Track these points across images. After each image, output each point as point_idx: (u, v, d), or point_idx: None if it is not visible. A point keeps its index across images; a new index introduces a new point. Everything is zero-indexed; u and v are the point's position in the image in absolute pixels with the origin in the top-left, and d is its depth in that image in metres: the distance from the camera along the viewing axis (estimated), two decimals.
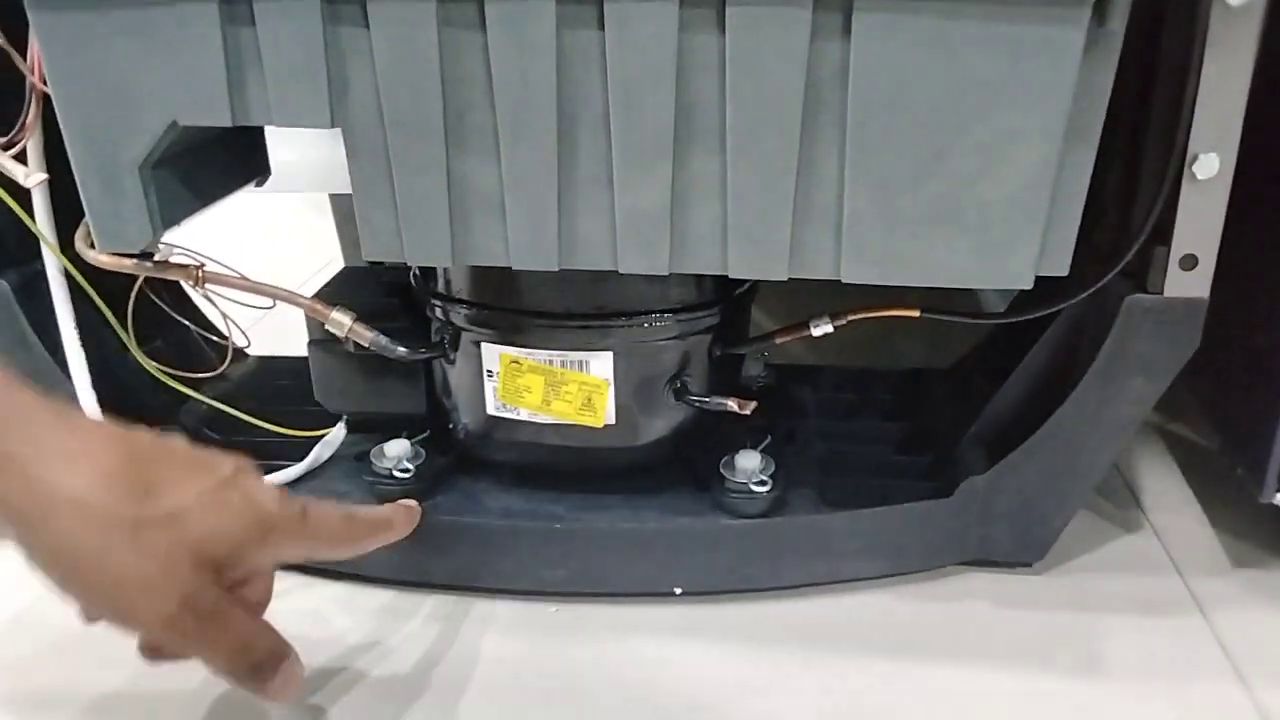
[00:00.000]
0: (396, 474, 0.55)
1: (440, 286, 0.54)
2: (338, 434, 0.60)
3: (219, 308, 0.56)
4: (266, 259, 0.65)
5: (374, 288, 0.58)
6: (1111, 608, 0.54)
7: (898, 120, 0.41)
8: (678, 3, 0.40)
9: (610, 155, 0.44)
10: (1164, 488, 0.65)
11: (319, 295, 0.55)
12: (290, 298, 0.52)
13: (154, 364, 0.56)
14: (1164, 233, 0.47)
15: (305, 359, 0.59)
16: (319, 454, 0.59)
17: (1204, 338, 0.49)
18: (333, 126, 0.44)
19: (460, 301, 0.53)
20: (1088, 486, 0.54)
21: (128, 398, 0.57)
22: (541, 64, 0.42)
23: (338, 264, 0.96)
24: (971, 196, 0.42)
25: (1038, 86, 0.40)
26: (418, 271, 0.56)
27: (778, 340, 0.54)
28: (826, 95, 0.41)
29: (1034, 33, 0.39)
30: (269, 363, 0.69)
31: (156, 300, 0.61)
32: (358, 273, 0.62)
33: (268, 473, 0.57)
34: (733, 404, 0.52)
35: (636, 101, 0.42)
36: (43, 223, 0.51)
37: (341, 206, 0.93)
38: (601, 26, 0.41)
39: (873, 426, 0.63)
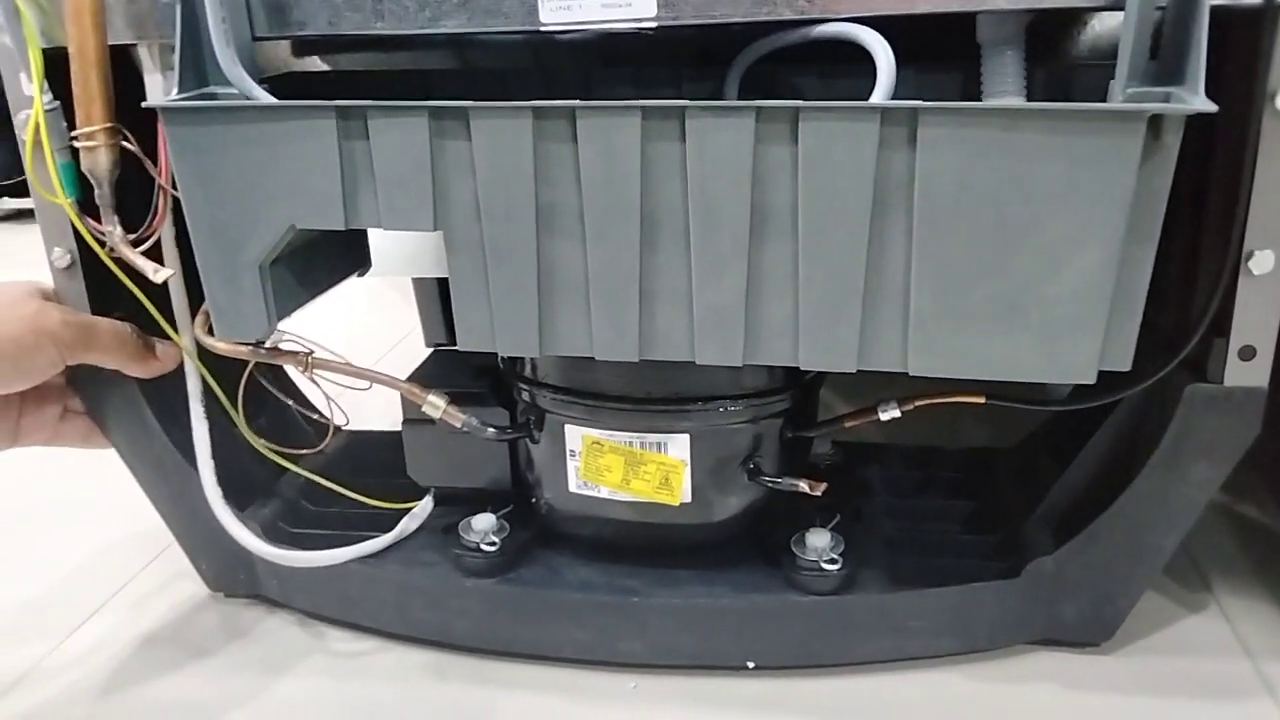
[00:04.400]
0: (484, 547, 0.58)
1: (527, 371, 0.58)
2: (425, 506, 0.64)
3: (322, 389, 0.61)
4: (346, 333, 0.69)
5: (464, 370, 0.62)
6: (1181, 690, 0.55)
7: (961, 224, 0.44)
8: (754, 117, 0.44)
9: (689, 255, 0.47)
10: (1232, 569, 0.65)
11: (414, 378, 0.59)
12: (390, 382, 0.55)
13: (262, 442, 0.60)
14: (1223, 324, 0.49)
15: (393, 433, 0.63)
16: (406, 525, 0.63)
17: (1267, 422, 0.51)
18: (435, 230, 0.48)
19: (545, 386, 0.56)
20: (1154, 568, 0.55)
21: (230, 467, 0.61)
22: (627, 173, 0.46)
23: (412, 339, 1.01)
24: (1034, 296, 0.44)
25: (1096, 194, 0.42)
26: (505, 356, 0.59)
27: (847, 424, 0.56)
28: (893, 200, 0.44)
29: (1091, 145, 0.41)
30: (361, 436, 0.73)
31: (260, 379, 0.65)
32: (448, 355, 0.66)
33: (357, 541, 0.61)
34: (804, 485, 0.54)
35: (714, 207, 0.46)
36: (181, 323, 0.56)
37: (424, 289, 0.97)
38: (683, 139, 0.45)
39: (939, 505, 0.65)
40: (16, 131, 0.55)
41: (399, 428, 0.62)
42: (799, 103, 0.43)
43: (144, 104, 0.50)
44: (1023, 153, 0.42)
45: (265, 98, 0.49)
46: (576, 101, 0.45)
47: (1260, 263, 0.48)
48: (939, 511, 0.64)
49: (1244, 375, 0.50)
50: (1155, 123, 0.41)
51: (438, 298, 1.00)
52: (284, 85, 0.56)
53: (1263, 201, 0.47)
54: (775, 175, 0.45)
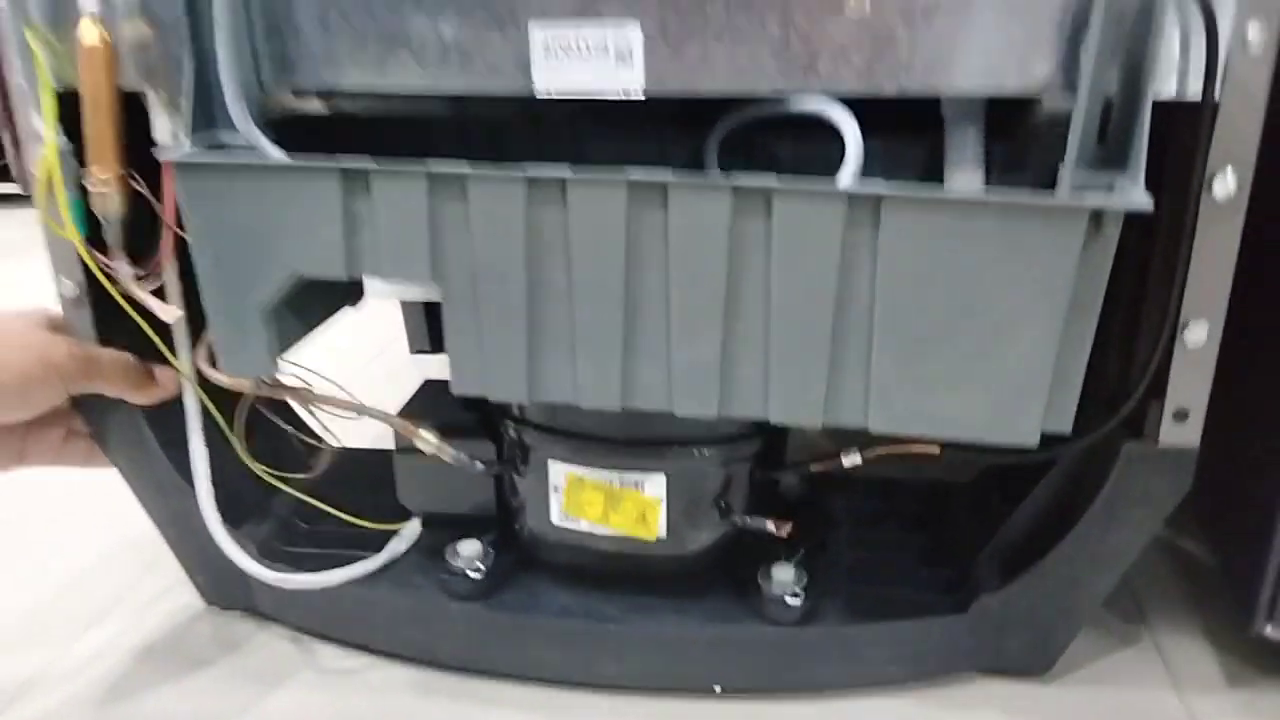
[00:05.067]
0: (469, 573, 0.62)
1: (514, 409, 0.61)
2: (413, 529, 0.67)
3: (317, 417, 0.64)
4: (332, 340, 0.71)
5: (453, 401, 0.65)
6: None
7: (919, 298, 0.47)
8: (731, 195, 0.47)
9: (669, 315, 0.50)
10: (1167, 602, 0.70)
11: (406, 410, 0.63)
12: (385, 418, 0.59)
13: (261, 467, 0.63)
14: (1159, 388, 0.53)
15: (383, 452, 0.66)
16: (395, 547, 0.66)
17: (1204, 473, 0.55)
18: (432, 282, 0.52)
19: (532, 424, 0.60)
20: (1091, 607, 0.60)
21: (227, 486, 0.63)
22: (613, 238, 0.49)
23: (397, 346, 1.04)
24: (983, 366, 0.48)
25: (1041, 278, 0.46)
26: None
27: (812, 468, 0.60)
28: (858, 275, 0.48)
29: (1037, 234, 0.45)
30: (352, 454, 0.76)
31: (258, 406, 0.68)
32: (438, 385, 0.69)
33: (349, 562, 0.64)
34: (771, 525, 0.58)
35: (693, 273, 0.49)
36: (183, 356, 0.59)
37: (410, 307, 1.01)
38: (666, 209, 0.48)
39: (898, 537, 0.69)
40: (27, 168, 0.57)
41: (389, 444, 0.65)
42: (773, 183, 0.47)
43: (157, 155, 0.52)
44: (975, 237, 0.46)
45: (273, 151, 0.52)
46: (567, 171, 0.48)
47: (1194, 334, 0.52)
48: (897, 542, 0.68)
49: (1178, 435, 0.54)
50: (1097, 215, 0.45)
51: (422, 308, 1.03)
52: (287, 128, 0.59)
53: (1197, 279, 0.51)
54: (750, 247, 0.48)
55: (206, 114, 0.53)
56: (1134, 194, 0.44)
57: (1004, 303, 0.47)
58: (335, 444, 0.76)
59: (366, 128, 0.66)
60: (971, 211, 0.45)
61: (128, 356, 0.60)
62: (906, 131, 0.56)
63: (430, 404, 0.66)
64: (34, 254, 0.61)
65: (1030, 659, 0.62)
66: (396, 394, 0.68)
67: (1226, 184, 0.49)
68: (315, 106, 0.70)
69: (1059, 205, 0.45)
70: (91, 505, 0.80)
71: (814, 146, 0.59)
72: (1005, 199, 0.45)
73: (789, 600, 0.59)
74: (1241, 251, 0.50)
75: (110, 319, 0.60)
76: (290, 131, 0.55)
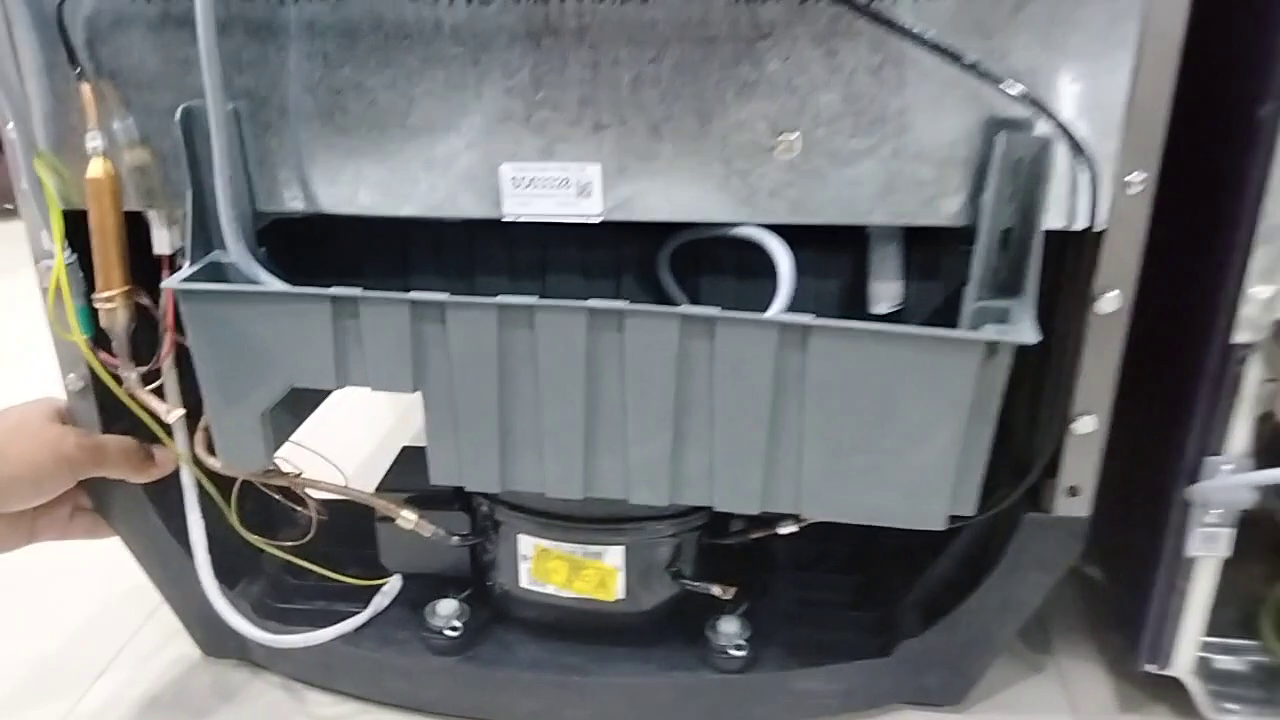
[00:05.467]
0: (447, 631, 0.69)
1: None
2: (395, 584, 0.74)
3: (307, 498, 0.70)
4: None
5: None
6: None
7: (841, 409, 0.55)
8: (679, 321, 0.54)
9: (625, 420, 0.57)
10: (1074, 633, 0.79)
11: (386, 483, 0.69)
12: (370, 501, 0.65)
13: (255, 537, 0.69)
14: (1054, 468, 0.61)
15: (362, 507, 0.72)
16: (379, 603, 0.73)
17: (1105, 518, 0.63)
18: (414, 391, 0.58)
19: (502, 502, 0.66)
20: (999, 648, 0.68)
21: (218, 548, 0.69)
22: (575, 356, 0.56)
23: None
24: (897, 465, 0.56)
25: (944, 394, 0.53)
26: None
27: (751, 537, 0.67)
28: (789, 388, 0.55)
29: (940, 360, 0.52)
30: (337, 506, 0.82)
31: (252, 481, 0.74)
32: (414, 452, 0.75)
33: (336, 615, 0.71)
34: (716, 589, 0.66)
35: (646, 385, 0.56)
36: (180, 442, 0.65)
37: None
38: (621, 331, 0.55)
39: (832, 580, 0.77)
40: (39, 282, 0.62)
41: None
42: (715, 313, 0.53)
43: (163, 284, 0.58)
44: (889, 360, 0.53)
45: (268, 279, 0.58)
46: (534, 299, 0.55)
47: (1083, 425, 0.60)
48: (832, 585, 0.77)
49: (1070, 508, 0.62)
50: (992, 346, 0.52)
51: None
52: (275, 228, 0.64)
53: (1086, 379, 0.59)
54: (696, 364, 0.55)
55: (204, 236, 0.59)
56: (1023, 329, 0.52)
57: (914, 414, 0.54)
58: (317, 505, 0.82)
59: (350, 231, 0.72)
60: (886, 340, 0.53)
61: (130, 441, 0.66)
62: (836, 244, 0.63)
63: (408, 473, 0.72)
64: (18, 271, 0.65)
65: (946, 692, 0.70)
66: (372, 438, 0.74)
67: (1111, 302, 0.56)
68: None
69: (958, 338, 0.52)
70: (89, 557, 0.85)
71: (755, 253, 0.65)
72: (914, 331, 0.52)
73: (733, 651, 0.67)
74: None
75: (112, 408, 0.66)
76: (279, 228, 0.60)
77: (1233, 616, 0.72)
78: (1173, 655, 0.67)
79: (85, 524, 0.70)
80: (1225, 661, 0.72)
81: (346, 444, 0.69)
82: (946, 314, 0.59)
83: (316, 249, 0.67)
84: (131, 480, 0.67)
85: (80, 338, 0.62)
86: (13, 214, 0.65)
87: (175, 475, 0.68)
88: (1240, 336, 0.57)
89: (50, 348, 0.65)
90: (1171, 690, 0.69)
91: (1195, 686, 0.68)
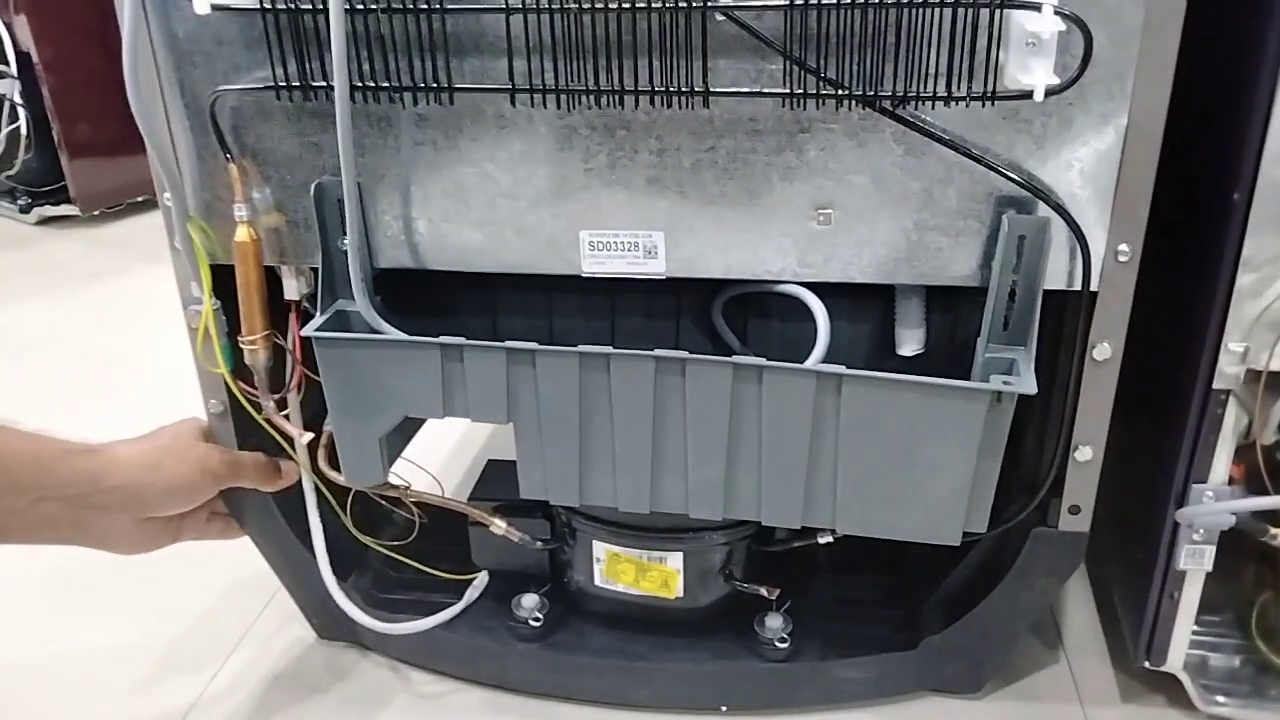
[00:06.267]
0: (530, 621, 0.80)
1: None
2: (483, 580, 0.85)
3: (411, 508, 0.81)
4: None
5: (514, 483, 0.82)
6: None
7: (869, 443, 0.64)
8: (732, 369, 0.64)
9: (685, 448, 0.67)
10: (1083, 629, 0.88)
11: (477, 494, 0.80)
12: (465, 509, 0.77)
13: (368, 539, 0.80)
14: (1058, 490, 0.71)
15: (452, 513, 0.83)
16: (470, 595, 0.84)
17: (1110, 526, 0.72)
18: (507, 423, 0.69)
19: (580, 514, 0.77)
20: (1012, 643, 0.78)
21: (332, 546, 0.80)
22: (643, 395, 0.66)
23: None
24: (918, 491, 0.65)
25: (956, 435, 0.63)
26: None
27: (793, 545, 0.77)
28: (825, 426, 0.65)
29: (952, 406, 0.62)
30: (429, 511, 0.94)
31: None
32: (499, 466, 0.86)
33: (433, 605, 0.82)
34: (763, 590, 0.76)
35: (703, 419, 0.66)
36: (303, 456, 0.76)
37: None
38: (683, 376, 0.65)
39: (863, 583, 0.87)
40: (187, 323, 0.74)
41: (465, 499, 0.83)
42: (762, 362, 0.63)
43: (304, 333, 0.69)
44: (910, 405, 0.63)
45: (388, 329, 0.69)
46: (610, 349, 0.65)
47: (1082, 454, 0.69)
48: (865, 587, 0.86)
49: (1072, 524, 0.71)
50: (998, 395, 0.62)
51: None
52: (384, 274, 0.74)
53: (1084, 416, 0.67)
54: (746, 404, 0.65)
55: (331, 288, 0.70)
56: (1025, 381, 0.61)
57: (932, 449, 0.64)
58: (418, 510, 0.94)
59: (447, 281, 0.82)
60: (907, 388, 0.62)
61: (262, 456, 0.78)
62: (867, 294, 0.72)
63: (495, 484, 0.83)
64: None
65: (965, 681, 0.80)
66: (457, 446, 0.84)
67: (1104, 351, 0.65)
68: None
69: (967, 388, 0.62)
70: (212, 552, 0.97)
71: (797, 303, 0.75)
72: (931, 382, 0.62)
73: (778, 644, 0.77)
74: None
75: (244, 428, 0.77)
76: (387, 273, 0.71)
77: (1226, 618, 0.81)
78: (1167, 654, 0.76)
79: (219, 526, 0.81)
80: (1217, 659, 0.80)
81: (425, 449, 0.81)
82: (962, 355, 0.68)
83: (420, 291, 0.78)
84: (262, 489, 0.78)
85: (226, 372, 0.74)
86: (143, 207, 0.76)
87: (297, 484, 0.79)
88: (1220, 384, 0.66)
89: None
90: (1168, 683, 0.78)
91: (1187, 681, 0.77)
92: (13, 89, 1.92)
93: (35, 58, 1.88)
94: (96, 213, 2.04)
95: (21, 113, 1.94)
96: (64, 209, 2.08)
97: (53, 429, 0.69)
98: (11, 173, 2.02)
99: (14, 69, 1.91)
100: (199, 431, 0.78)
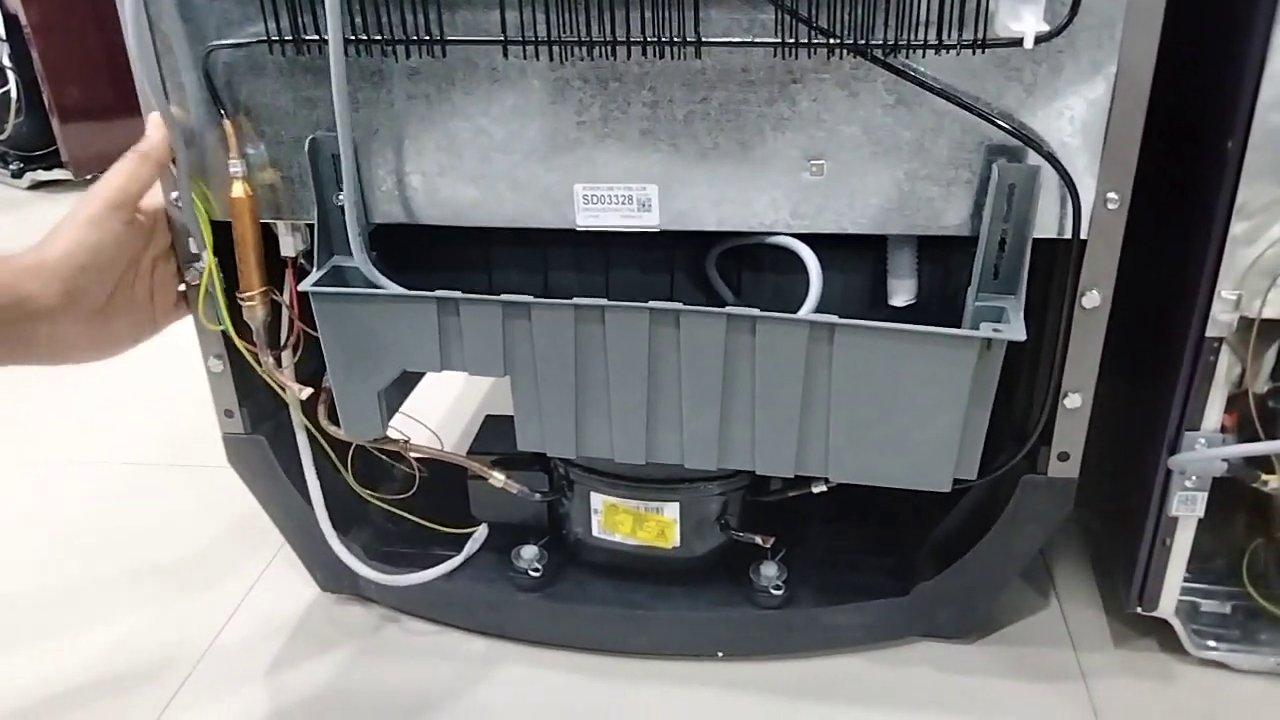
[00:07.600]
0: (530, 572, 0.81)
1: None
2: (483, 532, 0.86)
3: (412, 461, 0.82)
4: None
5: (513, 438, 0.83)
6: (1017, 673, 0.79)
7: (861, 392, 0.65)
8: (726, 320, 0.65)
9: (680, 399, 0.68)
10: (1075, 576, 0.89)
11: (476, 448, 0.81)
12: (465, 463, 0.77)
13: (369, 492, 0.82)
14: (1048, 436, 0.72)
15: (451, 465, 0.84)
16: (470, 548, 0.85)
17: (1102, 476, 0.73)
18: (504, 376, 0.70)
19: (577, 465, 0.78)
20: (1002, 589, 0.79)
21: (333, 500, 0.81)
22: (639, 347, 0.67)
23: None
24: (909, 438, 0.66)
25: (947, 382, 0.64)
26: None
27: (788, 494, 0.79)
28: (818, 374, 0.66)
29: (943, 354, 0.63)
30: (428, 464, 0.95)
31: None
32: (496, 420, 0.87)
33: (433, 558, 0.84)
34: (758, 538, 0.77)
35: (698, 371, 0.67)
36: (294, 405, 0.77)
37: None
38: (677, 327, 0.66)
39: (856, 531, 0.88)
40: (189, 281, 0.74)
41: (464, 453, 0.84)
42: (755, 312, 0.64)
43: (300, 289, 0.70)
44: (901, 353, 0.63)
45: (384, 282, 0.69)
46: (605, 302, 0.66)
47: (1071, 400, 0.70)
48: (858, 535, 0.88)
49: (1061, 470, 0.72)
50: (987, 342, 0.62)
51: None
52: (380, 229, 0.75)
53: (1073, 363, 0.68)
54: (739, 354, 0.66)
55: (327, 244, 0.71)
56: (1015, 328, 0.62)
57: (922, 397, 0.65)
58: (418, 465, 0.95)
59: (444, 235, 0.82)
60: (898, 337, 0.63)
61: (132, 153, 0.69)
62: (860, 244, 0.73)
63: (494, 439, 0.84)
64: None
65: (957, 627, 0.82)
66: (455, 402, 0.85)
67: (1093, 299, 0.66)
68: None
69: (957, 335, 0.62)
70: (217, 510, 0.99)
71: (790, 254, 0.76)
72: (921, 330, 0.62)
73: (773, 590, 0.78)
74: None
75: (246, 388, 0.78)
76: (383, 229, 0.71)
77: (1218, 565, 0.83)
78: (1159, 599, 0.77)
79: (170, 271, 0.74)
80: (1209, 604, 0.82)
81: (423, 405, 0.82)
82: (954, 305, 0.69)
83: (415, 245, 0.79)
84: (157, 179, 0.70)
85: (229, 327, 0.74)
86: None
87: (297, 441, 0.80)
88: (1213, 331, 0.66)
89: None
90: (1160, 627, 0.80)
91: (1179, 626, 0.78)
92: (1, 52, 1.92)
93: (24, 20, 1.88)
94: (89, 176, 2.04)
95: (11, 76, 1.94)
96: (56, 173, 2.09)
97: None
98: (3, 137, 2.02)
99: (2, 32, 1.90)
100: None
